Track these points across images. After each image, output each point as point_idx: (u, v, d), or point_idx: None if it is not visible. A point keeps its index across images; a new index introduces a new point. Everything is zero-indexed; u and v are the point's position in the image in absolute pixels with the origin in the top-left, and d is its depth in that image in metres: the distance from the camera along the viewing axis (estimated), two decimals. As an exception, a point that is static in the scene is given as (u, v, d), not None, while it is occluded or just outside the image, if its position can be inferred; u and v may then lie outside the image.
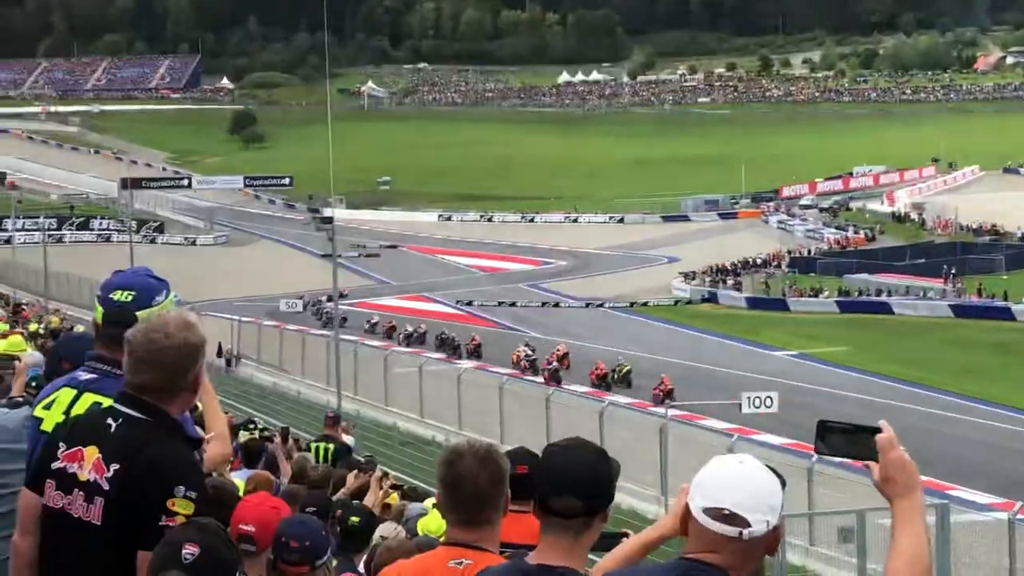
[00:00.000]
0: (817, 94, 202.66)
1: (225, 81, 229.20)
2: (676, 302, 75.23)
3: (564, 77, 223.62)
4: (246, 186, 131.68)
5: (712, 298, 75.13)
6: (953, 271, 74.04)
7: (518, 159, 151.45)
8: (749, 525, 2.95)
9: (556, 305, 74.85)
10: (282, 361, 50.47)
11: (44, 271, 67.91)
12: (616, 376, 49.38)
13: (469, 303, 74.89)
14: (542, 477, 3.35)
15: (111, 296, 4.33)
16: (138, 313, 4.22)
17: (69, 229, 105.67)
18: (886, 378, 50.25)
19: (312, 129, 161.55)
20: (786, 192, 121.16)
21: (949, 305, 66.44)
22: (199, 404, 4.64)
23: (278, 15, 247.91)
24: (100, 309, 4.35)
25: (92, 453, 3.76)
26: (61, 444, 3.85)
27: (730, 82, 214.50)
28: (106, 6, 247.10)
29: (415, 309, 73.98)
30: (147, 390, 3.81)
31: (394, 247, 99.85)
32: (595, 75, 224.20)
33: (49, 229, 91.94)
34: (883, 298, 69.77)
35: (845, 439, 3.17)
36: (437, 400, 39.58)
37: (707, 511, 2.98)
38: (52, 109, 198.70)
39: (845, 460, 3.19)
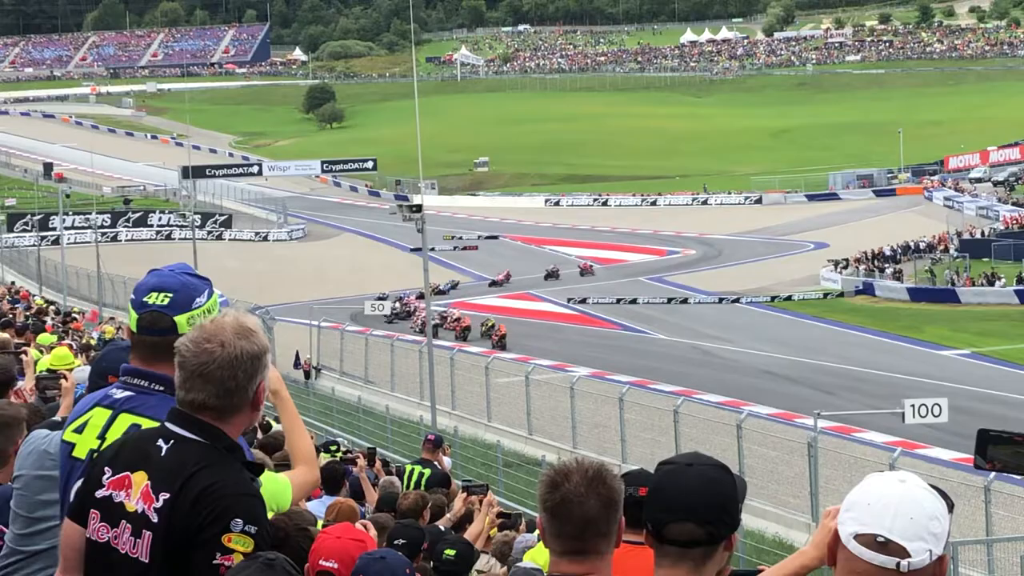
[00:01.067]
0: (987, 48, 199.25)
1: (298, 52, 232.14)
2: (825, 295, 74.58)
3: (688, 36, 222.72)
4: (324, 172, 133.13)
5: (868, 289, 74.33)
6: None
7: (636, 133, 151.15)
8: (908, 555, 2.89)
9: (684, 301, 74.51)
10: (368, 372, 50.93)
11: (97, 274, 69.28)
12: (484, 329, 63.34)
13: (582, 301, 74.85)
14: (655, 500, 3.32)
15: (145, 299, 4.29)
16: (176, 318, 4.21)
17: (124, 226, 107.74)
18: (1078, 380, 49.30)
19: (397, 104, 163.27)
20: (953, 163, 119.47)
21: None
22: (273, 423, 4.65)
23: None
24: (134, 314, 4.34)
25: (140, 480, 3.75)
26: (107, 469, 3.84)
27: (883, 36, 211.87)
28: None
29: (520, 309, 74.14)
30: (202, 408, 3.78)
31: (494, 238, 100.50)
32: (724, 32, 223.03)
33: (102, 226, 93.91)
34: (1071, 286, 68.63)
35: (1010, 451, 3.13)
36: (547, 413, 39.65)
37: (859, 538, 2.93)
38: (103, 90, 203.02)
39: (1013, 475, 3.12)
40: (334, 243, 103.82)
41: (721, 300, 74.02)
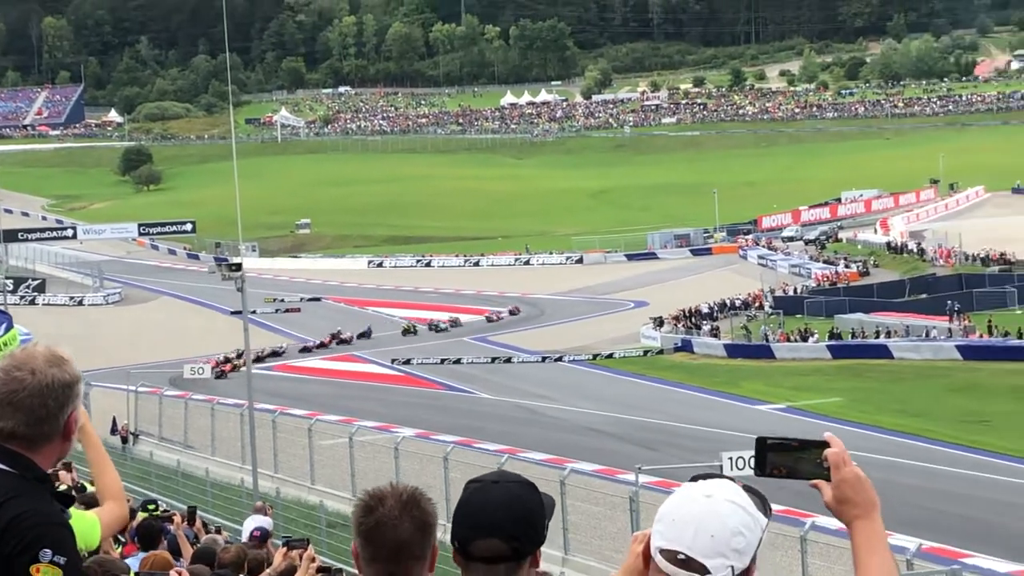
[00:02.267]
0: (797, 110, 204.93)
1: (113, 114, 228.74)
2: (645, 352, 75.40)
3: (508, 98, 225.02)
4: (141, 235, 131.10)
5: (686, 346, 75.37)
6: (958, 307, 74.67)
7: (458, 194, 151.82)
8: (708, 572, 2.93)
9: (507, 361, 74.83)
10: (188, 437, 50.14)
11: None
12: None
13: (407, 362, 74.77)
14: (461, 517, 3.32)
15: None
16: None
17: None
18: (885, 431, 50.50)
19: (216, 166, 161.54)
20: (766, 223, 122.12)
21: (956, 346, 66.88)
22: (88, 486, 4.59)
23: (173, 36, 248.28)
24: None
25: None
26: None
27: (698, 99, 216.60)
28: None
29: (343, 371, 73.81)
30: (11, 436, 3.70)
31: (317, 300, 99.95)
32: (544, 95, 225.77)
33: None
34: (880, 340, 70.25)
35: (789, 457, 3.17)
36: (371, 474, 39.39)
37: (663, 553, 2.96)
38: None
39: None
40: (152, 307, 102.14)
41: (544, 359, 74.49)
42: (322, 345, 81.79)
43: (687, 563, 2.92)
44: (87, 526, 4.41)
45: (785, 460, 3.19)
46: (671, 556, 2.94)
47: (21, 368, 3.72)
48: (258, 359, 78.46)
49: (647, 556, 3.04)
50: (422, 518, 3.43)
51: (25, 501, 3.65)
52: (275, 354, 79.12)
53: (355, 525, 3.43)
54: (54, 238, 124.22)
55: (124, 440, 52.14)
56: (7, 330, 4.28)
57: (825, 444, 3.16)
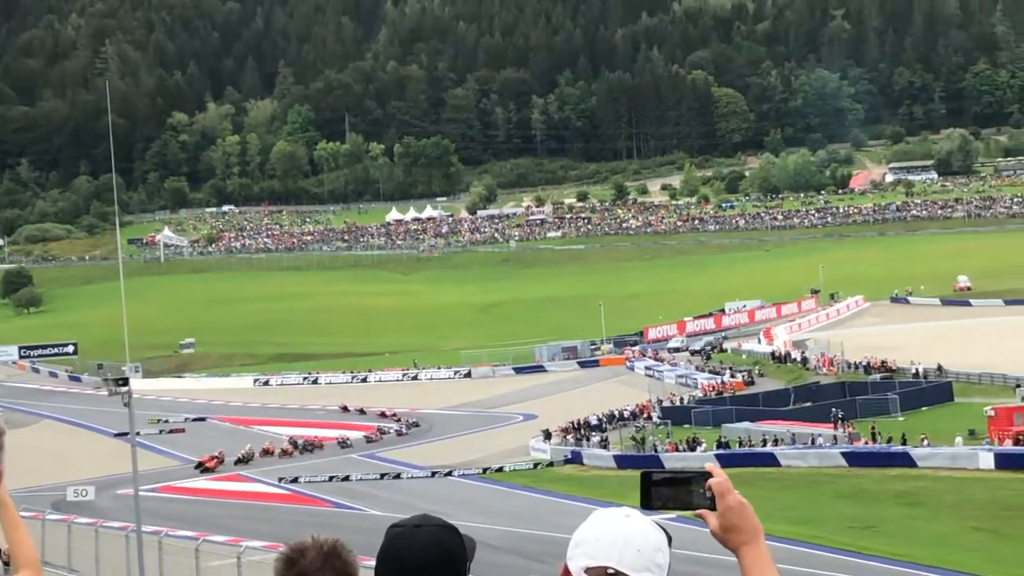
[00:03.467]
0: (679, 223, 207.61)
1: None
2: (535, 465, 75.34)
3: (393, 215, 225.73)
4: (22, 357, 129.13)
5: (576, 458, 75.39)
6: (842, 415, 75.72)
7: (345, 310, 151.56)
8: None
9: (397, 476, 74.42)
10: (72, 561, 49.15)
11: None
12: None
13: (294, 480, 74.09)
14: (385, 562, 3.40)
15: None
16: None
17: None
18: (773, 539, 50.45)
19: (99, 287, 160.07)
20: (652, 334, 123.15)
21: (841, 453, 67.67)
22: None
23: (54, 157, 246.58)
24: None
25: None
26: None
27: (582, 213, 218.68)
28: None
29: (230, 491, 72.90)
30: None
31: (202, 420, 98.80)
32: (429, 211, 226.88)
33: None
34: (767, 448, 70.86)
35: (674, 490, 3.33)
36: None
37: (590, 571, 3.09)
38: None
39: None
40: (32, 431, 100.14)
41: (434, 474, 74.13)
42: (345, 444, 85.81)
43: None
44: None
45: (671, 493, 3.35)
46: (599, 573, 3.08)
47: None
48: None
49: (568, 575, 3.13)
50: (343, 569, 3.48)
51: None
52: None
53: None
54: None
55: (7, 564, 51.00)
56: None
57: (708, 475, 3.34)
